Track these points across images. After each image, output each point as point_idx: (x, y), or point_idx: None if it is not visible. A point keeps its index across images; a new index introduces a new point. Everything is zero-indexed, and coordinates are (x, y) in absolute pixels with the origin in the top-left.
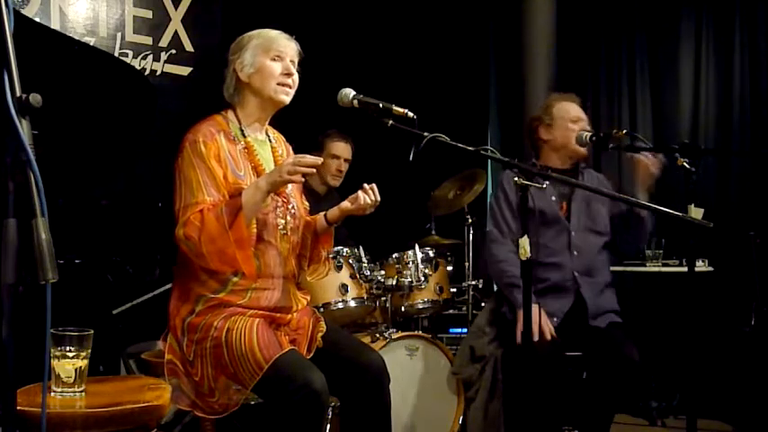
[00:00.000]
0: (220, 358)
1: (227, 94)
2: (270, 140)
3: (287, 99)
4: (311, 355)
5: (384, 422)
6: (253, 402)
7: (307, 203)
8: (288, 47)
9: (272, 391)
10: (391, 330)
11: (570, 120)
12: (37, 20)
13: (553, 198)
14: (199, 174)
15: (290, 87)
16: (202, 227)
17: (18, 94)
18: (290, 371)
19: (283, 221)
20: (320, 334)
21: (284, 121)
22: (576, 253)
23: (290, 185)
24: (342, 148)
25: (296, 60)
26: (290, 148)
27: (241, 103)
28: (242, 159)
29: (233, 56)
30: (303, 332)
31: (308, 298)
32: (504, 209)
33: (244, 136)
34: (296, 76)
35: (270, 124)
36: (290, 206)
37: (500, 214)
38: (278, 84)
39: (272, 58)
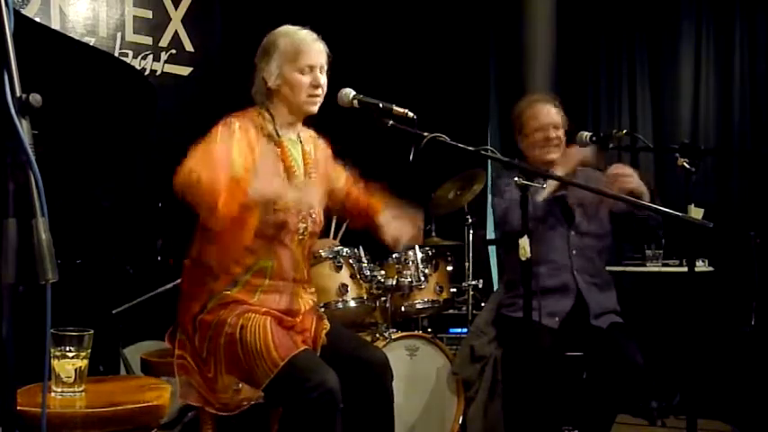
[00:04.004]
0: (234, 355)
1: (258, 99)
2: (300, 141)
3: (315, 109)
4: (317, 354)
5: (387, 418)
6: (254, 402)
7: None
8: (316, 54)
9: (286, 390)
10: (391, 330)
11: (533, 129)
12: (37, 20)
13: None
14: (219, 146)
15: (319, 97)
16: (206, 156)
17: (18, 94)
18: (306, 370)
19: (304, 226)
20: (324, 332)
21: None
22: (574, 253)
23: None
24: None
25: (325, 65)
26: (321, 144)
27: (272, 108)
28: (274, 160)
29: (260, 62)
30: (308, 333)
31: (315, 299)
32: (505, 189)
33: (278, 135)
34: (325, 85)
35: None
36: (311, 211)
37: (507, 205)
38: (308, 95)
39: (301, 71)
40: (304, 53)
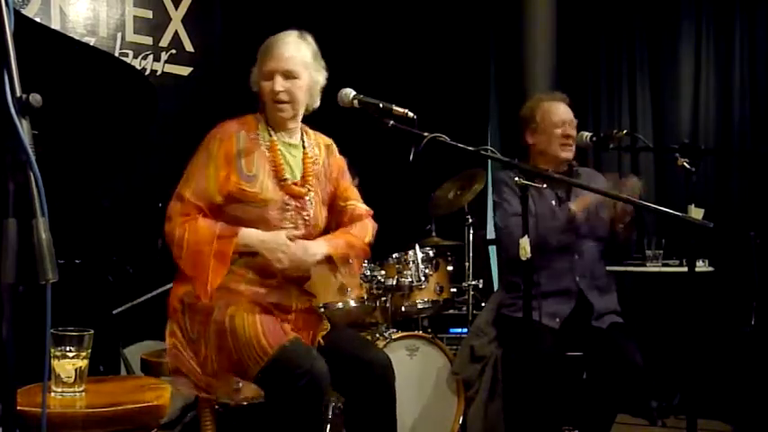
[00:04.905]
0: (224, 344)
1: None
2: (304, 146)
3: (283, 114)
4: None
5: (389, 419)
6: (254, 401)
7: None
8: (277, 60)
9: (276, 379)
10: (391, 330)
11: (554, 124)
12: (37, 20)
13: (553, 202)
14: (197, 170)
15: (283, 102)
16: (194, 229)
17: (18, 94)
18: (295, 358)
19: (292, 225)
20: (322, 333)
21: None
22: (576, 257)
23: (310, 196)
24: None
25: (293, 69)
26: (334, 153)
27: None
28: (260, 158)
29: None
30: (305, 333)
31: (312, 300)
32: (509, 196)
33: (270, 136)
34: (294, 90)
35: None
36: (303, 213)
37: (509, 202)
38: (272, 101)
39: (265, 77)
40: (267, 59)
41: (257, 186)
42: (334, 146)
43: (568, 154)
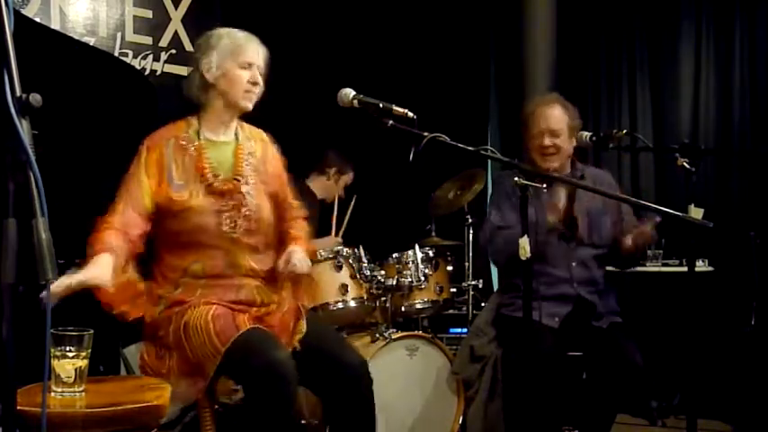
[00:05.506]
0: (183, 351)
1: (192, 93)
2: (237, 140)
3: (251, 106)
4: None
5: (366, 419)
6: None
7: (296, 204)
8: (257, 54)
9: (238, 373)
10: (391, 330)
11: (533, 134)
12: (37, 20)
13: None
14: (127, 182)
15: (255, 94)
16: (94, 241)
17: (18, 94)
18: (250, 349)
19: (231, 224)
20: (298, 336)
21: (284, 120)
22: (574, 265)
23: (247, 188)
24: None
25: (263, 66)
26: (272, 148)
27: (206, 104)
28: (189, 164)
29: (199, 54)
30: (284, 331)
31: (283, 294)
32: (503, 205)
33: (199, 138)
34: (261, 85)
35: (265, 126)
36: (243, 209)
37: (498, 209)
38: (245, 91)
39: (241, 66)
40: (245, 50)
41: (186, 194)
42: (270, 140)
43: (547, 164)
